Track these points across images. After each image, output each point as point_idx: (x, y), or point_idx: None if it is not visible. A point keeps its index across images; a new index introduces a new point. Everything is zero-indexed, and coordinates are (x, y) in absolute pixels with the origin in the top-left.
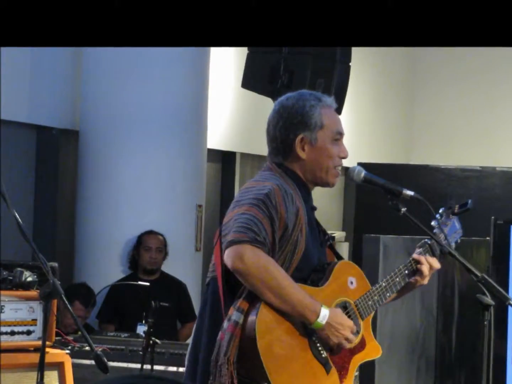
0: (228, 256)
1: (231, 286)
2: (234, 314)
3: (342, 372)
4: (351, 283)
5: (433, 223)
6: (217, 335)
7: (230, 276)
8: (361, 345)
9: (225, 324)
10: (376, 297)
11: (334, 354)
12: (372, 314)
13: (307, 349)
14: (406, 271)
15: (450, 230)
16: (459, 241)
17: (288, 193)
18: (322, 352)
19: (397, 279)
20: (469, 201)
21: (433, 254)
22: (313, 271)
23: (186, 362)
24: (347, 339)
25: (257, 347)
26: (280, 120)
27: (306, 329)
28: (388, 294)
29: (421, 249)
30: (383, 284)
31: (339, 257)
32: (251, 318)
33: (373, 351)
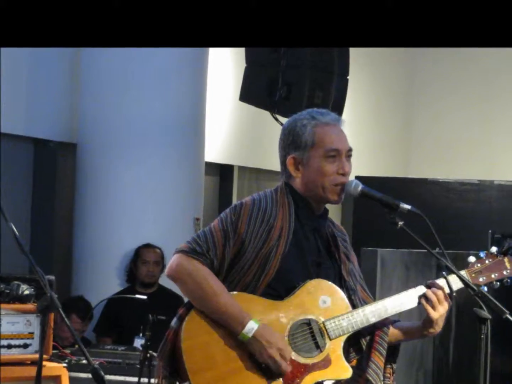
0: (168, 264)
1: None
2: (173, 321)
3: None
4: (324, 302)
5: (471, 258)
6: None
7: None
8: (324, 364)
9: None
10: (354, 320)
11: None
12: (345, 336)
13: (250, 357)
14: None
15: (489, 268)
16: (509, 281)
17: (262, 209)
18: (260, 361)
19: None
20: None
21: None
22: (289, 288)
23: None
24: (273, 360)
25: (181, 349)
26: (280, 143)
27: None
28: (373, 319)
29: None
30: (371, 307)
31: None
32: (182, 321)
33: (339, 372)
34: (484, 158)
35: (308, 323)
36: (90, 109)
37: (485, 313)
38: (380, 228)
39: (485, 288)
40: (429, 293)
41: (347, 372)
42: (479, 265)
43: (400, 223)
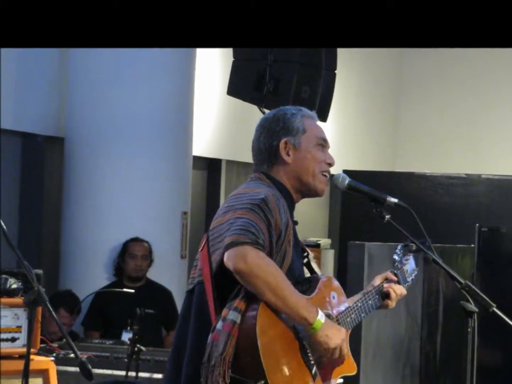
0: (230, 258)
1: (219, 291)
2: (230, 314)
3: (325, 381)
4: (333, 297)
5: (395, 257)
6: (204, 339)
7: (219, 281)
8: (341, 360)
9: (219, 324)
10: (353, 316)
11: (319, 362)
12: (349, 331)
13: (297, 353)
14: (377, 296)
15: (410, 267)
16: (414, 278)
17: (281, 202)
18: (311, 358)
19: (370, 301)
20: (426, 240)
21: (398, 283)
22: (296, 283)
23: (167, 368)
24: (339, 349)
25: (257, 343)
26: (262, 132)
27: (298, 334)
28: (363, 315)
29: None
30: (359, 304)
31: (315, 274)
32: (251, 316)
33: (349, 368)
34: (471, 152)
35: (329, 317)
36: (78, 103)
37: (471, 307)
38: (368, 222)
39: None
40: (391, 290)
41: (354, 368)
42: (403, 266)
43: (387, 216)
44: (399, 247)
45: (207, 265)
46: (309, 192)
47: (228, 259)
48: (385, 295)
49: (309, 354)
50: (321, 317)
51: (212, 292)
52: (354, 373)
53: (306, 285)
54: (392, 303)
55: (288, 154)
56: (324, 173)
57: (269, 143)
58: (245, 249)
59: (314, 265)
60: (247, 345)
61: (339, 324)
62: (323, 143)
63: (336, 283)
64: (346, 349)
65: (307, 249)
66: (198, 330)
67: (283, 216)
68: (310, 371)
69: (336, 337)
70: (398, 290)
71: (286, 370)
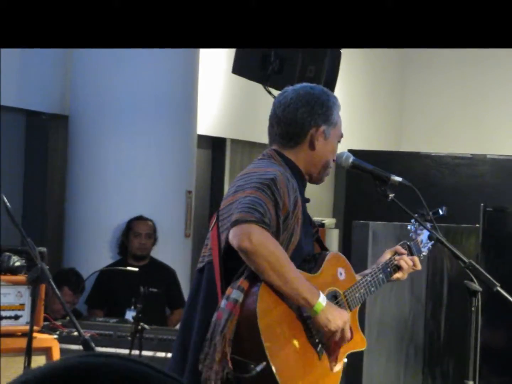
0: (235, 235)
1: (227, 271)
2: (233, 293)
3: (332, 359)
4: (341, 274)
5: (410, 227)
6: (211, 318)
7: (227, 260)
8: (345, 340)
9: (223, 303)
10: (362, 290)
11: (325, 341)
12: (358, 307)
13: (302, 332)
14: (388, 269)
15: (424, 237)
16: (430, 247)
17: (290, 181)
18: (316, 337)
19: (380, 275)
20: (443, 208)
21: (411, 254)
22: (303, 261)
23: (174, 347)
24: (341, 330)
25: (258, 326)
26: (305, 105)
27: (302, 313)
28: (372, 289)
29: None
30: (368, 278)
31: (325, 250)
32: (252, 297)
33: (359, 343)
34: (477, 132)
35: (335, 295)
36: (82, 81)
37: (475, 286)
38: (372, 202)
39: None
40: (402, 262)
41: (364, 343)
42: (418, 237)
43: (391, 195)
44: (415, 216)
45: (216, 245)
46: (314, 178)
47: (234, 236)
48: (397, 268)
49: (314, 333)
50: (322, 300)
51: (220, 271)
52: (364, 348)
53: (312, 263)
54: (404, 275)
55: (317, 141)
56: (331, 166)
57: (307, 121)
58: (251, 227)
59: None
60: (248, 326)
61: (346, 300)
62: (340, 140)
63: (343, 259)
64: (350, 330)
65: (316, 225)
66: (207, 309)
67: (292, 196)
68: (316, 350)
69: (337, 319)
70: (409, 262)
71: (288, 351)
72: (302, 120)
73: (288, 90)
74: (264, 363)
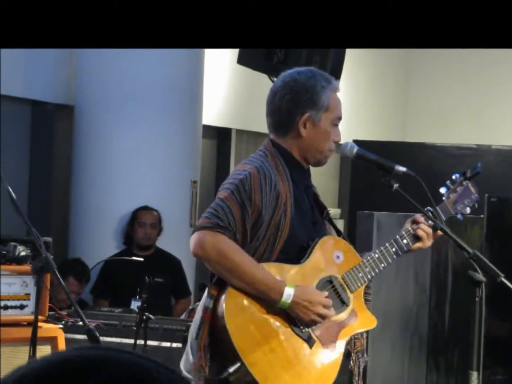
0: (190, 243)
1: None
2: (205, 300)
3: (329, 345)
4: (337, 257)
5: (442, 190)
6: None
7: None
8: (352, 318)
9: (198, 309)
10: (367, 269)
11: (318, 328)
12: (363, 286)
13: (286, 325)
14: (405, 240)
15: (461, 195)
16: (476, 205)
17: (268, 177)
18: (302, 327)
19: (393, 249)
20: (479, 164)
21: (434, 220)
22: (300, 249)
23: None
24: (319, 315)
25: (227, 328)
26: (289, 93)
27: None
28: (382, 265)
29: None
30: (376, 255)
31: (339, 232)
32: (220, 302)
33: (366, 322)
34: (482, 122)
35: (330, 280)
36: (88, 71)
37: (479, 276)
38: (377, 192)
39: (461, 217)
40: (420, 231)
41: (373, 322)
42: (454, 194)
43: (395, 185)
44: (453, 177)
45: None
46: (312, 164)
47: (190, 244)
48: (416, 237)
49: (299, 324)
50: (286, 298)
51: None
52: (373, 327)
53: (306, 251)
54: (425, 244)
55: (304, 127)
56: (330, 150)
57: (292, 109)
58: (203, 234)
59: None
60: (220, 330)
61: (345, 283)
62: (337, 122)
63: (341, 242)
64: (353, 308)
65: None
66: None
67: (268, 192)
68: (305, 340)
69: (307, 311)
70: (428, 229)
71: (267, 348)
72: (287, 108)
73: (279, 77)
74: (239, 363)
